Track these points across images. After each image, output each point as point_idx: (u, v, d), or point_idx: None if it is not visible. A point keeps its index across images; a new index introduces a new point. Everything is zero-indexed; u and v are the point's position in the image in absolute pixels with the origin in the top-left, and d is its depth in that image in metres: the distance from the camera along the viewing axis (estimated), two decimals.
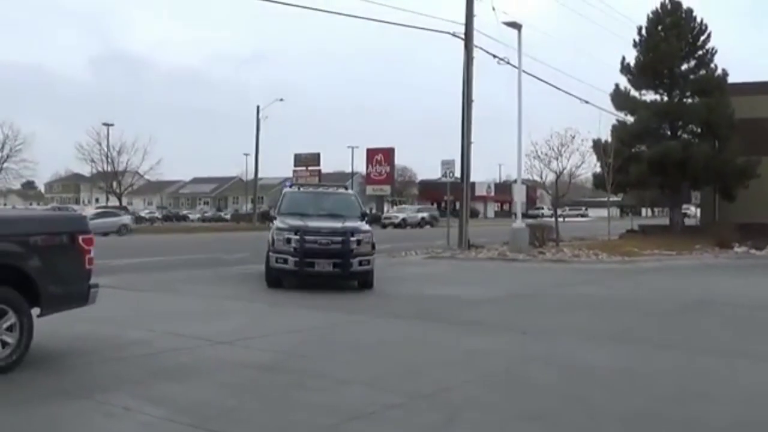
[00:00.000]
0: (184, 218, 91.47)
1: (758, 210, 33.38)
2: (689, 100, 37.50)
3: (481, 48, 30.90)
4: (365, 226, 16.99)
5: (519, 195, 35.28)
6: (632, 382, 8.26)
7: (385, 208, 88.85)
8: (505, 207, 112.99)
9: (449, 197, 36.45)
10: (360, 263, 16.14)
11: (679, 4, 37.78)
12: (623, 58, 38.24)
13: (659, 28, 37.57)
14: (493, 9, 33.54)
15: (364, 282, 16.58)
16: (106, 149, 68.68)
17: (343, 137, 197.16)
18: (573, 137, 32.65)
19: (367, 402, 7.22)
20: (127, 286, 16.24)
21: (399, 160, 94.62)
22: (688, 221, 42.69)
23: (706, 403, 7.55)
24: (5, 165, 69.26)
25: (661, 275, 21.97)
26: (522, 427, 6.71)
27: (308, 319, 12.50)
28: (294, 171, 79.13)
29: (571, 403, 7.42)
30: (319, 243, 15.94)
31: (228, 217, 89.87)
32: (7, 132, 67.86)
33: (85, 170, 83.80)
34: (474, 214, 63.23)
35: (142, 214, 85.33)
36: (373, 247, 16.76)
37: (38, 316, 8.35)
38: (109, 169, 69.77)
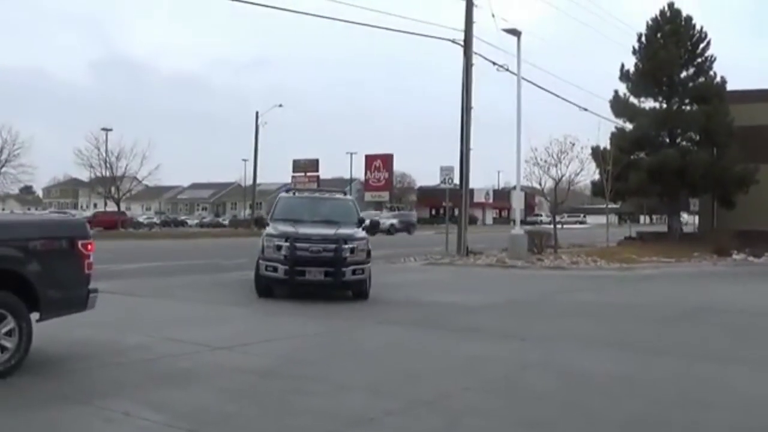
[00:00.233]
0: (183, 224, 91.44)
1: (756, 217, 33.43)
2: (688, 108, 37.62)
3: (480, 55, 30.98)
4: (360, 233, 16.18)
5: (518, 202, 35.29)
6: (631, 389, 8.26)
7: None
8: (504, 214, 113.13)
9: (448, 204, 36.46)
10: (354, 272, 15.41)
11: (679, 12, 37.92)
12: (622, 65, 38.40)
13: (658, 35, 37.72)
14: (493, 16, 33.57)
15: (359, 292, 15.84)
16: (104, 154, 68.53)
17: (341, 143, 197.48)
18: (573, 144, 32.74)
19: (367, 408, 7.21)
20: (126, 291, 16.20)
21: (398, 167, 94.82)
22: (683, 229, 42.68)
23: (705, 409, 7.56)
24: (4, 169, 68.96)
25: (659, 282, 21.98)
26: None
27: (307, 325, 12.49)
28: (293, 177, 79.06)
29: (570, 409, 7.42)
30: (310, 251, 15.20)
31: (226, 222, 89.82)
32: (6, 136, 67.60)
33: (84, 175, 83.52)
34: (472, 220, 63.06)
35: (141, 219, 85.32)
36: (368, 255, 16.03)
37: (37, 320, 8.33)
38: (108, 174, 69.56)
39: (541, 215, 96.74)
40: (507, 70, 30.57)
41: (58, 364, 8.69)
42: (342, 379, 8.42)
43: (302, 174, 78.75)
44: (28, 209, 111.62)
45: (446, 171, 32.60)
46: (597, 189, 37.57)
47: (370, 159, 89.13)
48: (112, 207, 72.06)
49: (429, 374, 8.84)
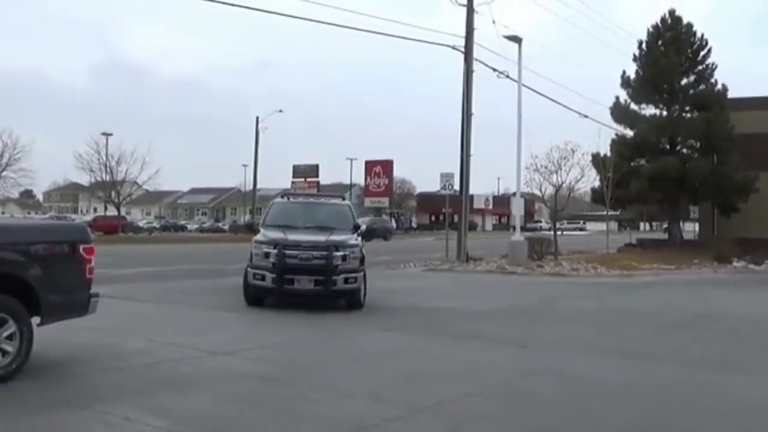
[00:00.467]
0: (183, 228, 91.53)
1: (757, 225, 33.43)
2: (689, 115, 37.63)
3: (480, 61, 31.03)
4: (353, 240, 15.36)
5: (518, 208, 35.35)
6: (632, 395, 8.25)
7: None
8: (503, 220, 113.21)
9: (448, 210, 36.47)
10: (346, 281, 14.64)
11: (679, 19, 37.95)
12: (623, 72, 38.43)
13: (659, 42, 37.74)
14: (494, 22, 33.85)
15: (352, 301, 15.05)
16: (105, 158, 68.65)
17: (342, 148, 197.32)
18: (573, 151, 32.76)
19: (369, 414, 7.21)
20: (126, 295, 16.19)
21: (398, 173, 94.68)
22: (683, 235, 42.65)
23: (706, 415, 7.58)
24: (4, 173, 69.10)
25: (659, 289, 21.97)
26: None
27: (307, 331, 12.49)
28: (292, 182, 79.19)
29: (571, 415, 7.42)
30: (300, 258, 14.49)
31: (226, 227, 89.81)
32: (6, 140, 67.72)
33: (84, 179, 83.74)
34: (472, 227, 63.03)
35: (141, 224, 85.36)
36: (362, 262, 15.24)
37: (38, 325, 8.33)
38: (108, 178, 69.68)
39: (541, 222, 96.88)
40: (507, 76, 30.66)
41: (59, 369, 8.69)
42: (343, 385, 8.41)
43: (302, 179, 78.84)
44: (29, 213, 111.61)
45: (446, 177, 32.63)
46: (597, 196, 37.62)
47: (370, 165, 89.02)
48: (112, 211, 72.20)
49: (430, 380, 8.83)
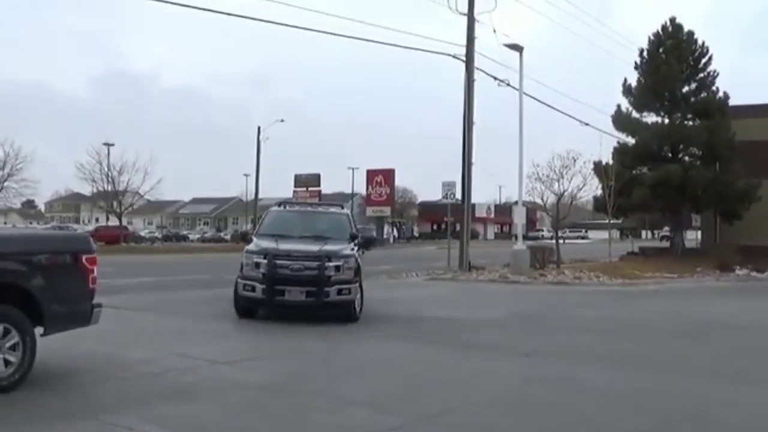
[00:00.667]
0: (185, 238, 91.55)
1: (759, 232, 33.35)
2: (690, 123, 37.62)
3: (481, 70, 31.10)
4: (347, 250, 14.81)
5: (520, 217, 35.25)
6: (638, 404, 8.22)
7: None
8: (505, 229, 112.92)
9: (450, 219, 36.46)
10: (339, 292, 14.09)
11: (680, 27, 37.95)
12: (625, 80, 38.42)
13: (660, 50, 37.72)
14: (494, 31, 33.78)
15: (346, 314, 14.49)
16: (106, 169, 68.71)
17: (343, 158, 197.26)
18: (575, 159, 32.74)
19: (373, 423, 7.20)
20: (129, 306, 16.19)
21: (399, 182, 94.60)
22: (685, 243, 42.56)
23: (711, 425, 7.55)
24: (6, 184, 69.07)
25: (662, 298, 21.93)
26: None
27: (309, 340, 12.46)
28: (294, 192, 79.10)
29: (577, 424, 7.40)
30: (291, 268, 14.00)
31: (228, 237, 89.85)
32: (8, 150, 67.71)
33: (86, 190, 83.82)
34: (474, 235, 62.99)
35: (142, 234, 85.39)
36: (357, 273, 14.72)
37: (41, 335, 8.34)
38: (110, 188, 69.75)
39: (543, 230, 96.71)
40: (508, 85, 30.70)
41: (63, 379, 8.69)
42: (346, 395, 8.39)
43: (304, 189, 78.82)
44: (30, 223, 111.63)
45: (448, 186, 32.64)
46: (599, 204, 37.58)
47: (371, 174, 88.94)
48: (114, 221, 72.21)
49: (433, 389, 8.81)
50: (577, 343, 12.82)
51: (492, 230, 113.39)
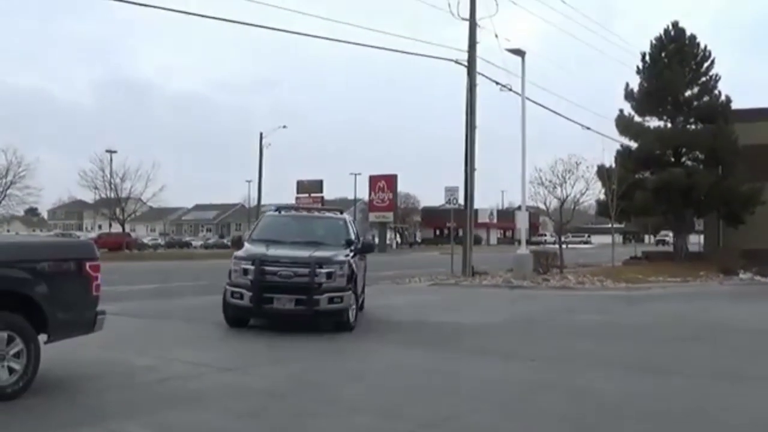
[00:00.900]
0: (187, 245, 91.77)
1: (762, 236, 33.29)
2: (693, 127, 37.63)
3: (483, 75, 31.04)
4: (340, 257, 14.07)
5: (523, 222, 35.21)
6: (643, 409, 8.18)
7: None
8: (508, 234, 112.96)
9: (452, 224, 36.43)
10: (330, 300, 13.38)
11: (683, 31, 37.96)
12: (627, 84, 38.45)
13: (663, 54, 37.74)
14: (496, 36, 33.83)
15: (339, 324, 13.74)
16: (109, 176, 68.74)
17: (346, 163, 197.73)
18: (578, 164, 32.73)
19: (379, 430, 7.17)
20: (132, 312, 16.16)
21: (402, 187, 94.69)
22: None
23: (716, 428, 7.52)
24: (9, 192, 69.16)
25: (666, 302, 21.87)
26: None
27: (312, 346, 12.42)
28: (297, 198, 79.23)
29: (582, 429, 7.37)
30: (279, 275, 13.36)
31: (230, 243, 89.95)
32: (11, 158, 67.80)
33: (89, 197, 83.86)
34: (477, 240, 63.01)
35: (145, 240, 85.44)
36: (350, 280, 13.95)
37: (45, 342, 8.32)
38: (113, 195, 69.78)
39: (546, 235, 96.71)
40: (510, 89, 30.66)
41: (67, 386, 8.67)
42: (351, 401, 8.37)
43: (306, 195, 78.90)
44: (34, 231, 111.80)
45: (451, 191, 32.62)
46: (602, 208, 37.55)
47: (374, 179, 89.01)
48: (116, 228, 72.22)
49: (438, 395, 8.78)
50: (581, 347, 12.77)
51: (495, 235, 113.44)
